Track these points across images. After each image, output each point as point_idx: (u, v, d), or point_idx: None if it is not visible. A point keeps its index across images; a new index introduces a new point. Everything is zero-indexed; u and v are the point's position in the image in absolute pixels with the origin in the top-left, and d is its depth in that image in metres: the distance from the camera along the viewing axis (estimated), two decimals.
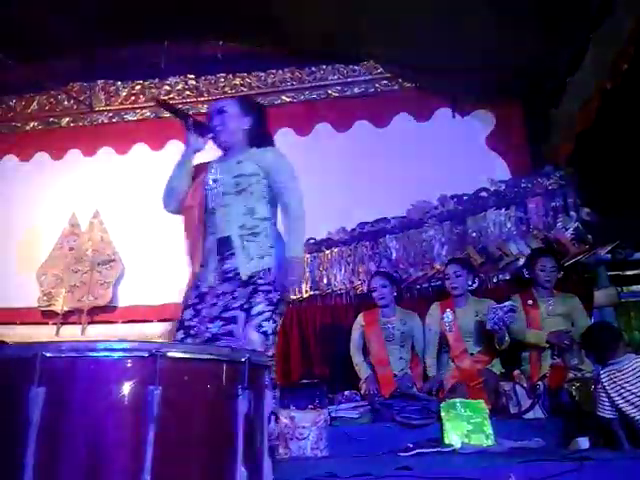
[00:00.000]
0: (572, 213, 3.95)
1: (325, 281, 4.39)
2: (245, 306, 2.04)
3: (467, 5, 3.61)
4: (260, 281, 2.07)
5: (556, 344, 3.31)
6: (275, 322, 2.05)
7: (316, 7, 4.17)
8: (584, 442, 2.60)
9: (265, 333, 2.00)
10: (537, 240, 3.98)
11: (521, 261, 3.94)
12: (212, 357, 1.34)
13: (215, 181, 2.23)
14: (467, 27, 3.75)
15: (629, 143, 3.66)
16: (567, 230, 3.88)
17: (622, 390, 2.46)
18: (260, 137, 2.37)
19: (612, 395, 2.48)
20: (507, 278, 4.04)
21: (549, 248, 3.83)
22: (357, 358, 3.70)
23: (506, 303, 3.32)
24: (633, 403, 2.42)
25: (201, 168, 2.33)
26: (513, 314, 3.29)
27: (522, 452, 2.54)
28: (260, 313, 2.01)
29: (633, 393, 2.43)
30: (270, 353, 1.98)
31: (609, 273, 3.96)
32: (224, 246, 2.13)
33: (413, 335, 3.69)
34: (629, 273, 4.39)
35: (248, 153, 2.28)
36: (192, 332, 2.04)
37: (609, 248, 3.78)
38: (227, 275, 2.10)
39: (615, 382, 2.49)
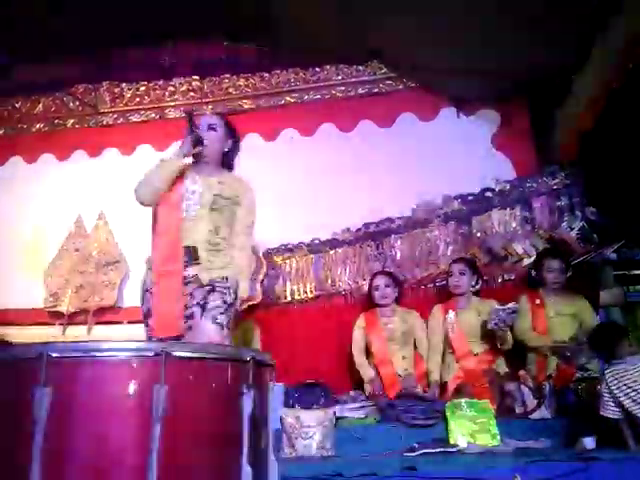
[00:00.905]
0: (577, 212, 3.94)
1: (330, 281, 4.38)
2: (201, 302, 2.24)
3: (471, 4, 3.60)
4: (217, 283, 2.28)
5: (558, 353, 3.30)
6: (229, 317, 2.26)
7: (320, 7, 4.17)
8: (590, 442, 2.59)
9: (220, 324, 2.20)
10: (542, 240, 3.97)
11: (526, 261, 3.93)
12: (217, 356, 1.35)
13: (194, 192, 2.37)
14: (471, 27, 3.74)
15: (635, 142, 3.65)
16: (572, 230, 3.87)
17: (628, 390, 2.45)
18: (231, 162, 2.59)
19: (617, 395, 2.47)
20: (512, 278, 4.03)
21: (557, 249, 3.81)
22: (359, 359, 3.69)
23: (509, 305, 3.32)
24: (638, 402, 2.41)
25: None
26: (515, 315, 3.29)
27: (528, 452, 2.54)
28: (215, 307, 2.22)
29: (637, 391, 2.42)
30: (227, 343, 2.20)
31: (615, 273, 3.94)
32: (190, 254, 2.28)
33: (415, 334, 3.69)
34: (635, 272, 4.38)
35: (226, 176, 2.49)
36: (152, 334, 2.18)
37: (615, 247, 3.77)
38: (188, 280, 2.27)
39: (621, 381, 2.47)
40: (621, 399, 2.46)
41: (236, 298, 2.32)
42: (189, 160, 2.42)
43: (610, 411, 2.50)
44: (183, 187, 2.37)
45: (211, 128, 2.49)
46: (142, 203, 2.43)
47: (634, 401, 2.43)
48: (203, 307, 2.23)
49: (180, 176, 2.38)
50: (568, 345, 3.29)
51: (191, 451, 1.23)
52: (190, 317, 2.23)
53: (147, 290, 2.29)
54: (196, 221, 2.33)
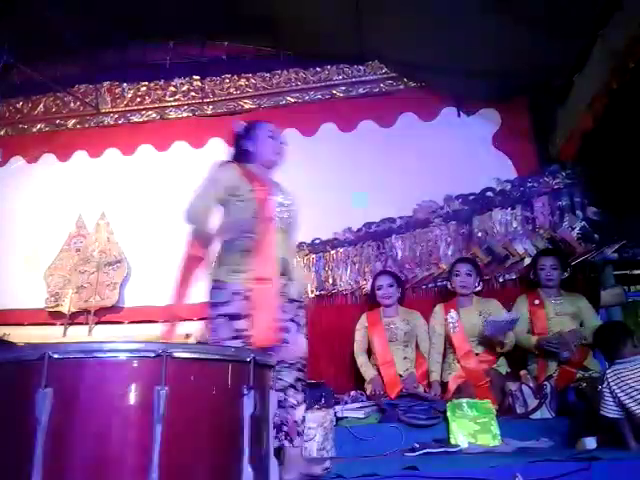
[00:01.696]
0: (578, 212, 3.94)
1: (331, 281, 4.39)
2: (295, 319, 2.36)
3: (472, 4, 3.60)
4: (301, 299, 2.44)
5: (545, 348, 3.31)
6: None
7: (320, 7, 4.17)
8: (591, 442, 2.60)
9: (307, 339, 2.43)
10: (543, 240, 3.97)
11: (527, 261, 3.93)
12: (218, 357, 1.35)
13: (281, 205, 2.43)
14: (472, 26, 3.74)
15: (636, 142, 3.64)
16: (573, 229, 3.87)
17: (630, 390, 2.45)
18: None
19: (619, 394, 2.46)
20: (513, 278, 4.03)
21: (552, 248, 3.82)
22: (361, 359, 3.70)
23: (504, 315, 3.32)
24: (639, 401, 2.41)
25: (253, 175, 2.45)
26: (514, 323, 3.29)
27: (529, 452, 2.54)
28: (305, 324, 2.43)
29: (639, 391, 2.42)
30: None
31: (616, 272, 3.94)
32: (283, 267, 2.34)
33: (417, 334, 3.69)
34: (636, 272, 4.37)
35: (281, 186, 2.58)
36: (250, 341, 2.15)
37: (616, 247, 3.76)
38: (279, 291, 2.31)
39: (623, 381, 2.47)
40: (622, 399, 2.45)
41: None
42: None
43: (611, 410, 2.49)
44: (274, 197, 2.42)
45: (275, 138, 2.66)
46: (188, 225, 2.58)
47: (635, 401, 2.42)
48: (297, 323, 2.37)
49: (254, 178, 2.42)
50: (550, 338, 3.30)
51: (192, 452, 1.23)
52: (286, 330, 2.31)
53: (236, 292, 2.25)
54: (283, 235, 2.41)
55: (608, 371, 2.56)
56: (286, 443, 2.23)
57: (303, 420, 2.34)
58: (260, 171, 2.48)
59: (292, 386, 2.29)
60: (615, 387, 2.48)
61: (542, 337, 3.34)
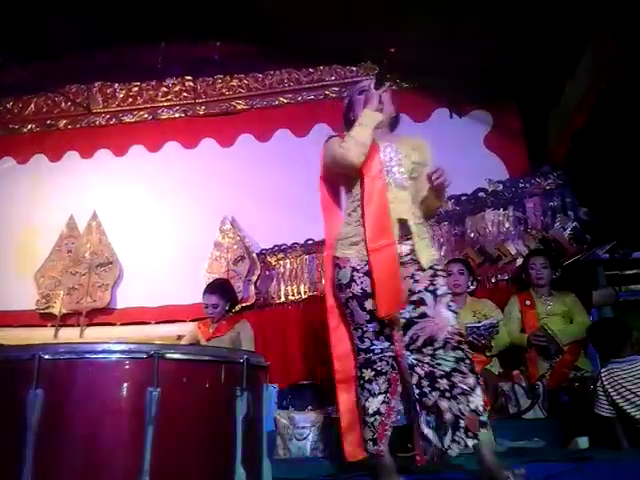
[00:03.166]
0: (570, 213, 3.96)
1: (324, 282, 4.38)
2: (430, 288, 2.01)
3: (465, 6, 3.61)
4: (437, 267, 2.07)
5: (535, 344, 3.32)
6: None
7: (313, 8, 4.17)
8: (583, 442, 2.60)
9: (454, 312, 2.01)
10: (535, 240, 3.99)
11: (519, 261, 3.95)
12: (210, 358, 1.34)
13: (390, 159, 2.17)
14: (465, 28, 3.75)
15: (625, 142, 3.66)
16: (565, 230, 3.89)
17: (622, 389, 2.46)
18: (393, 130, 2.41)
19: (612, 394, 2.47)
20: (506, 278, 4.04)
21: (542, 248, 3.84)
22: None
23: (484, 321, 3.33)
24: (633, 402, 2.42)
25: None
26: (494, 329, 3.30)
27: (521, 452, 2.54)
28: (445, 294, 2.02)
29: (633, 392, 2.43)
30: (462, 331, 2.04)
31: (607, 273, 3.96)
32: (403, 229, 2.07)
33: None
34: (627, 272, 4.39)
35: (413, 140, 2.32)
36: (386, 321, 1.99)
37: (607, 247, 3.78)
38: (403, 259, 2.05)
39: (616, 381, 2.48)
40: (615, 399, 2.46)
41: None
42: (382, 116, 2.21)
43: (604, 409, 2.50)
44: (379, 154, 2.15)
45: (385, 90, 2.31)
46: (352, 165, 2.11)
47: (628, 401, 2.43)
48: (433, 293, 2.01)
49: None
50: (537, 332, 3.32)
51: (184, 453, 1.23)
52: (421, 303, 2.00)
53: (355, 269, 2.04)
54: (400, 191, 2.12)
55: (602, 370, 2.56)
56: (469, 442, 1.84)
57: (485, 406, 1.91)
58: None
59: (455, 369, 1.91)
60: (609, 387, 2.48)
61: (531, 333, 3.36)
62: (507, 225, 4.11)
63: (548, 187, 4.10)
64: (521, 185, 4.18)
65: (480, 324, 3.30)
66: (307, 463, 2.69)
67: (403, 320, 1.99)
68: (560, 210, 4.00)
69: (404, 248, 2.07)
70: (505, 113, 4.58)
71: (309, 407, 3.08)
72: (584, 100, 3.62)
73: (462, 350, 1.94)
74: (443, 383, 1.90)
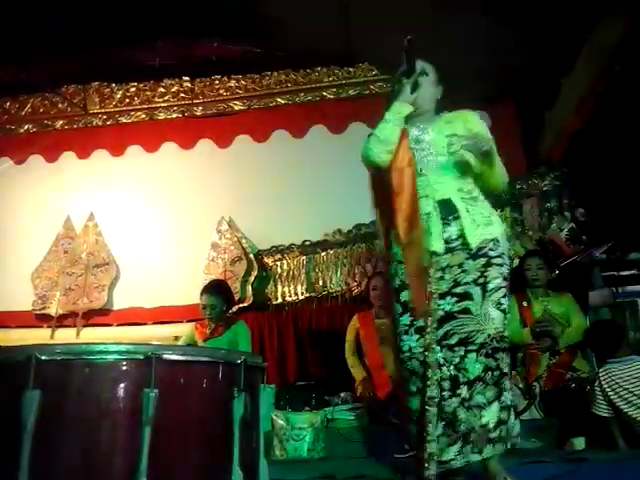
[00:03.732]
0: (567, 214, 3.97)
1: (321, 283, 4.39)
2: (480, 280, 1.85)
3: (461, 6, 3.61)
4: (492, 253, 1.89)
5: (540, 330, 3.32)
6: (509, 299, 1.93)
7: (310, 9, 4.17)
8: (580, 442, 2.61)
9: (504, 311, 1.85)
10: (532, 241, 4.00)
11: (516, 262, 3.95)
12: (208, 359, 1.34)
13: (421, 141, 2.03)
14: (461, 28, 3.76)
15: (622, 143, 3.68)
16: (562, 231, 3.90)
17: (620, 389, 2.46)
18: (441, 110, 2.20)
19: (610, 394, 2.48)
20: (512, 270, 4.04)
21: (538, 249, 3.85)
22: (351, 360, 3.69)
23: None
24: (630, 402, 2.42)
25: None
26: None
27: (518, 453, 2.54)
28: (497, 289, 1.85)
29: (631, 392, 2.43)
30: (507, 334, 1.87)
31: (604, 273, 3.97)
32: (446, 209, 1.92)
33: None
34: (624, 273, 4.41)
35: (451, 115, 2.12)
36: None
37: (604, 248, 3.79)
38: (451, 245, 1.90)
39: (614, 381, 2.48)
40: (613, 399, 2.47)
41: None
42: (411, 108, 2.03)
43: (602, 409, 2.51)
44: (409, 140, 2.02)
45: (422, 73, 2.12)
46: (375, 164, 2.02)
47: (625, 400, 2.44)
48: (482, 287, 1.84)
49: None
50: (540, 319, 3.33)
51: (181, 455, 1.22)
52: (466, 297, 1.84)
53: (400, 262, 1.94)
54: (438, 171, 1.98)
55: (600, 370, 2.57)
56: (473, 457, 1.77)
57: (499, 424, 1.79)
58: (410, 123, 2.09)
59: (480, 378, 1.77)
60: (606, 387, 2.49)
61: (534, 321, 3.36)
62: (504, 226, 4.12)
63: (545, 188, 4.11)
64: (518, 186, 4.19)
65: None
66: (304, 464, 2.69)
67: (441, 313, 1.85)
68: (557, 211, 4.02)
69: (451, 230, 1.91)
70: (502, 114, 4.57)
71: (306, 408, 3.08)
72: (581, 101, 3.63)
73: (495, 359, 1.80)
74: (464, 391, 1.78)
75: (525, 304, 3.53)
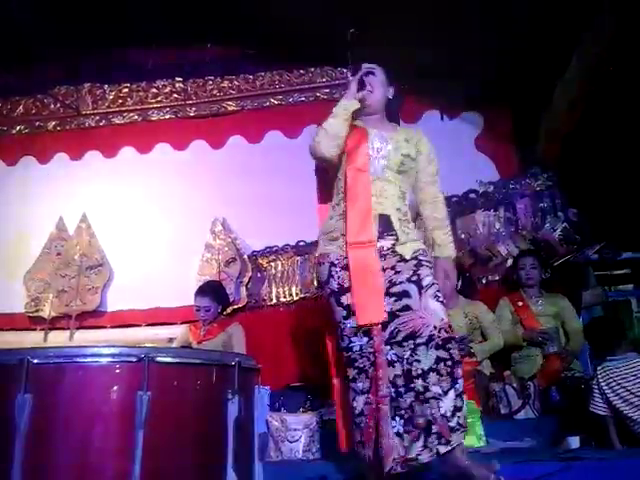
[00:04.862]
0: (560, 214, 3.98)
1: (315, 283, 4.38)
2: (413, 278, 1.91)
3: (454, 7, 3.62)
4: (422, 257, 1.96)
5: (530, 339, 3.35)
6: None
7: (303, 9, 4.17)
8: (574, 441, 2.62)
9: (442, 303, 1.89)
10: (526, 241, 4.01)
11: (510, 262, 3.97)
12: (201, 361, 1.34)
13: (379, 150, 2.07)
14: (455, 29, 3.77)
15: (615, 144, 3.70)
16: (555, 231, 3.91)
17: (618, 387, 2.46)
18: (395, 113, 2.30)
19: (607, 392, 2.47)
20: (496, 279, 4.06)
21: (532, 249, 3.86)
22: None
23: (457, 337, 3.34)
24: (628, 400, 2.43)
25: (354, 129, 2.13)
26: (465, 344, 3.29)
27: (513, 452, 2.55)
28: (431, 285, 1.90)
29: (628, 390, 2.44)
30: (451, 323, 1.91)
31: (596, 273, 3.99)
32: (385, 225, 1.99)
33: None
34: (616, 273, 4.43)
35: (407, 132, 2.20)
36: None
37: (597, 248, 3.82)
38: (384, 252, 1.97)
39: (613, 379, 2.48)
40: (610, 397, 2.47)
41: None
42: (358, 104, 2.08)
43: (598, 407, 2.51)
44: (367, 145, 2.07)
45: (369, 74, 2.16)
46: (323, 157, 2.07)
47: (622, 398, 2.44)
48: (417, 284, 1.90)
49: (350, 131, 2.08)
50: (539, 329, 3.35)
51: (175, 457, 1.22)
52: (404, 295, 1.89)
53: (333, 264, 1.98)
54: (384, 185, 2.03)
55: (599, 368, 2.57)
56: (441, 448, 1.74)
57: (455, 411, 1.77)
58: (362, 122, 2.17)
59: (433, 369, 1.78)
60: (604, 385, 2.49)
61: (529, 330, 3.38)
62: (498, 226, 4.13)
63: (538, 188, 4.12)
64: (511, 186, 4.21)
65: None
66: (299, 465, 2.68)
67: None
68: (550, 211, 4.03)
69: (385, 243, 1.98)
70: (496, 115, 4.60)
71: (301, 409, 3.08)
72: (574, 102, 3.65)
73: (447, 349, 1.81)
74: (418, 384, 1.79)
75: (520, 304, 3.55)
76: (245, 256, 4.63)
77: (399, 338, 1.85)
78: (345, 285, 1.95)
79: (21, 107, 5.49)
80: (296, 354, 4.12)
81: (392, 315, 1.88)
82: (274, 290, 4.49)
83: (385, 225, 1.99)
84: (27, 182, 5.22)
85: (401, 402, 1.81)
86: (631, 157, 3.66)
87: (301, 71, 5.07)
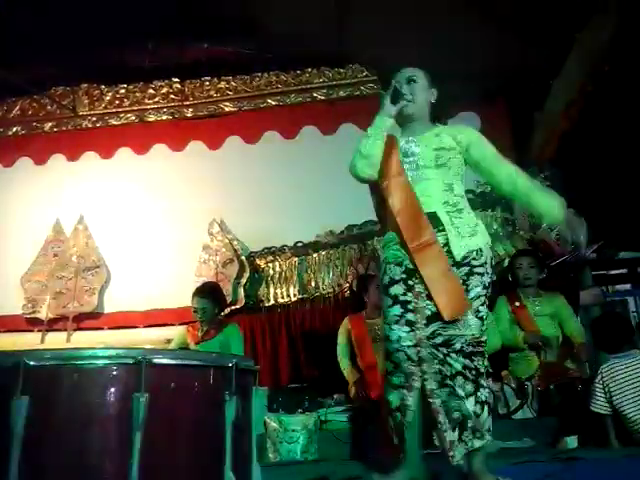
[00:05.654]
0: None
1: (313, 284, 4.38)
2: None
3: (451, 8, 3.63)
4: (474, 262, 1.96)
5: (531, 344, 3.35)
6: (487, 307, 2.00)
7: (300, 10, 4.17)
8: (572, 441, 2.62)
9: (482, 318, 1.93)
10: (523, 241, 4.02)
11: (507, 262, 3.97)
12: (199, 363, 1.33)
13: (411, 154, 2.08)
14: (451, 29, 3.77)
15: (611, 143, 3.70)
16: (552, 231, 3.92)
17: (625, 385, 2.45)
18: (440, 115, 2.31)
19: (612, 390, 2.46)
20: (494, 279, 4.06)
21: (529, 248, 3.87)
22: (344, 362, 3.68)
23: None
24: (630, 399, 2.42)
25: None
26: None
27: (511, 453, 2.55)
28: (477, 297, 1.94)
29: (635, 389, 2.43)
30: (484, 339, 1.94)
31: (594, 273, 4.00)
32: (432, 222, 1.99)
33: None
34: (613, 272, 4.44)
35: (441, 128, 2.18)
36: (410, 307, 1.92)
37: (594, 248, 3.82)
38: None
39: (618, 375, 2.48)
40: (615, 395, 2.46)
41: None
42: (391, 121, 2.10)
43: (600, 406, 2.51)
44: (399, 152, 2.09)
45: (409, 81, 2.15)
46: (360, 179, 2.12)
47: (626, 396, 2.43)
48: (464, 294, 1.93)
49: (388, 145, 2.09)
50: (539, 336, 3.35)
51: (173, 459, 1.21)
52: None
53: (388, 262, 2.02)
54: (425, 183, 2.03)
55: (603, 366, 2.56)
56: (477, 443, 1.85)
57: (477, 416, 1.86)
58: (395, 130, 2.17)
59: (460, 373, 1.86)
60: (610, 382, 2.48)
61: (532, 334, 3.38)
62: (495, 226, 4.14)
63: None
64: None
65: None
66: (297, 466, 2.68)
67: (428, 312, 1.91)
68: None
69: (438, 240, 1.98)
70: (493, 115, 4.60)
71: (299, 410, 3.07)
72: (571, 102, 3.65)
73: (472, 360, 1.88)
74: (450, 383, 1.86)
75: (518, 304, 3.54)
76: (243, 257, 4.63)
77: (437, 341, 1.90)
78: (396, 278, 1.98)
79: (18, 108, 5.49)
80: (294, 355, 4.12)
81: (436, 317, 1.91)
82: (272, 291, 4.49)
83: (433, 223, 1.99)
84: (24, 183, 5.21)
85: (435, 398, 1.87)
86: (629, 156, 3.66)
87: (298, 72, 5.08)
